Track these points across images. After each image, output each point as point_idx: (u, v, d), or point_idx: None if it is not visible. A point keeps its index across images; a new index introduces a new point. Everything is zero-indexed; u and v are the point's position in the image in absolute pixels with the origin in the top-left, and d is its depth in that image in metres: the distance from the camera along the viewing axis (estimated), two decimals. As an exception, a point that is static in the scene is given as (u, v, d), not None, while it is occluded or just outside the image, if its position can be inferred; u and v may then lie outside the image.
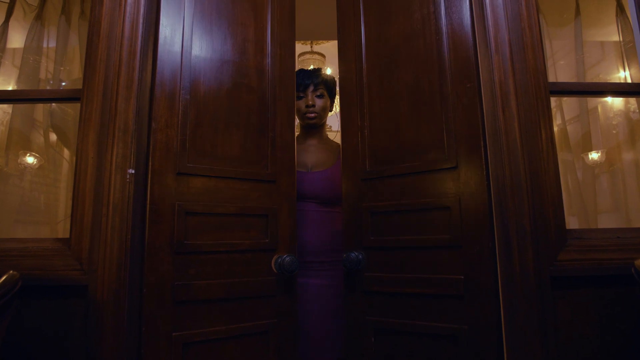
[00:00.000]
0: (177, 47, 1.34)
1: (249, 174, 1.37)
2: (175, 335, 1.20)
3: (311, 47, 4.91)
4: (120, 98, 1.17)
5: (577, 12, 1.54)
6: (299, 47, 4.92)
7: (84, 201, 1.13)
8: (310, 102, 1.64)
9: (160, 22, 1.30)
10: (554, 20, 1.68)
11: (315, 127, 1.70)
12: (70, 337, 1.11)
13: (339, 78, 1.59)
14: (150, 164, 1.21)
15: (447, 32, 1.37)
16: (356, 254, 1.37)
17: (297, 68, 4.48)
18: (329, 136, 1.84)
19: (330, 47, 4.95)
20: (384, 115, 1.45)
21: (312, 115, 1.65)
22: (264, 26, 1.50)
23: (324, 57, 4.85)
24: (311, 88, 1.65)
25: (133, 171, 1.15)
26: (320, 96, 1.65)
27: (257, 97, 1.43)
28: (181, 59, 1.34)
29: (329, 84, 1.69)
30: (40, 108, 1.73)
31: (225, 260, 1.29)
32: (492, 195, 1.22)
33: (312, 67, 4.89)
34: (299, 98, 1.68)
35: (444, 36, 1.38)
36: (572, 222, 1.21)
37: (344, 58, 1.59)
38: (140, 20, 1.23)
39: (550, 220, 1.17)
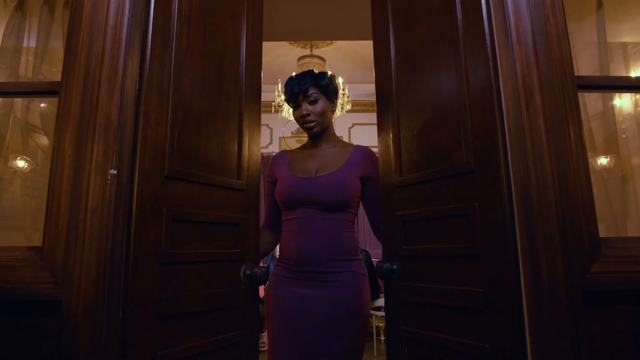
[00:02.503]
0: (167, 39, 1.24)
1: (226, 182, 1.34)
2: (161, 354, 1.08)
3: (311, 50, 4.82)
4: (102, 91, 1.05)
5: (599, 4, 1.44)
6: (299, 51, 4.83)
7: (59, 205, 1.00)
8: (304, 112, 1.52)
9: (152, 8, 1.19)
10: (572, 15, 1.57)
11: (318, 133, 1.58)
12: (41, 359, 0.97)
13: (376, 88, 1.58)
14: (138, 164, 1.09)
15: (462, 26, 1.27)
16: (389, 264, 1.36)
17: (296, 72, 4.36)
18: None
19: (330, 52, 4.86)
20: (412, 120, 1.42)
21: (310, 124, 1.54)
22: (239, 33, 1.49)
23: (323, 61, 4.75)
24: (301, 97, 1.53)
25: (115, 172, 1.03)
26: (314, 102, 1.53)
27: (233, 104, 1.43)
28: (172, 52, 1.24)
29: (321, 84, 1.55)
30: (32, 109, 1.61)
31: (205, 270, 1.23)
32: (515, 199, 1.10)
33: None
34: (295, 108, 1.58)
35: (459, 30, 1.28)
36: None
37: (378, 66, 1.58)
38: (127, 7, 1.12)
39: (581, 227, 1.05)
